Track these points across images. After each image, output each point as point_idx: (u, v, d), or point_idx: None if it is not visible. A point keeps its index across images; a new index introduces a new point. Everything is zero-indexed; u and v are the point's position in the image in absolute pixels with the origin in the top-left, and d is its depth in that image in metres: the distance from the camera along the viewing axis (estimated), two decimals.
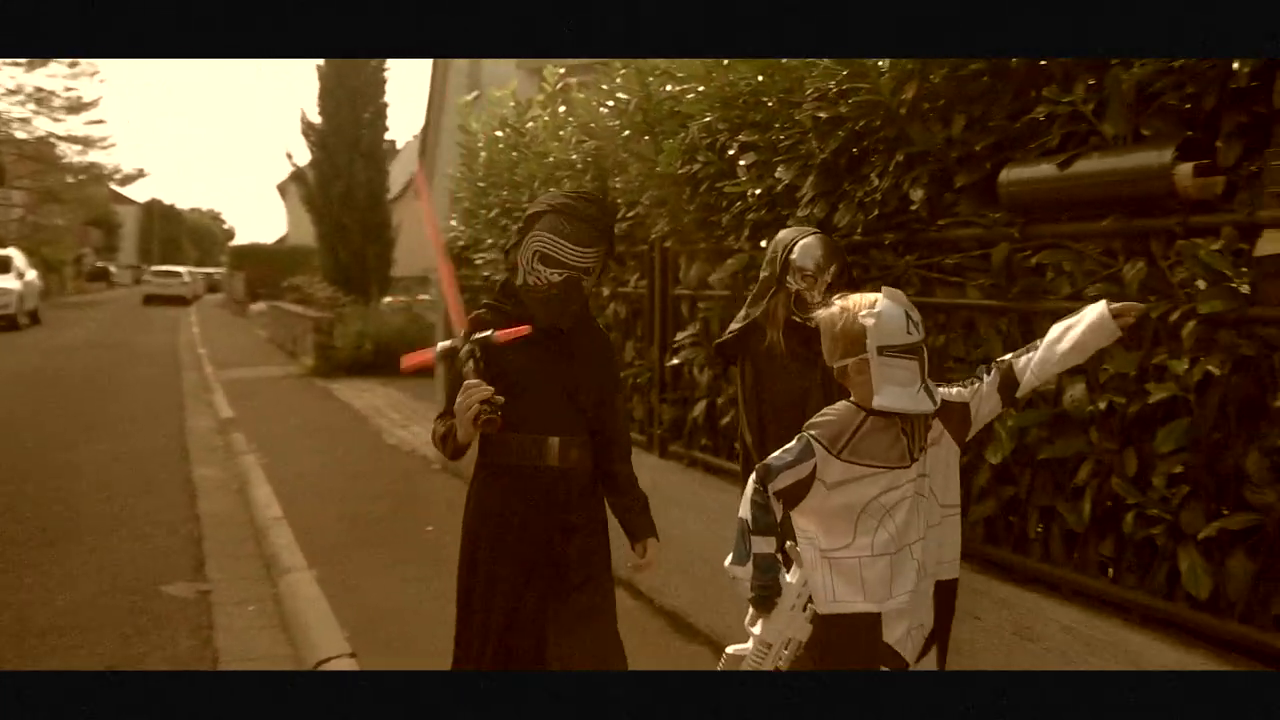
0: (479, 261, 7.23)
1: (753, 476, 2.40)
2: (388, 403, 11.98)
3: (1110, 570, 2.68)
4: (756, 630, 2.40)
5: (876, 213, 3.35)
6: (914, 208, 3.22)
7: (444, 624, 2.87)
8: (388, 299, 18.80)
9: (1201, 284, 2.39)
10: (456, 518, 2.80)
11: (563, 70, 6.32)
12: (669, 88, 4.80)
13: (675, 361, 4.71)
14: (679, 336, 4.70)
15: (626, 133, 5.04)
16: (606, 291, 5.46)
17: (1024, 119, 2.86)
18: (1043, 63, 2.82)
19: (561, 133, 5.98)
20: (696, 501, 4.56)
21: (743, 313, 3.25)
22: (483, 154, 7.35)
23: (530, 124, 6.67)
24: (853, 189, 3.52)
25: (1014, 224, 2.90)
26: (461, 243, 7.88)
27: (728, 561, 2.39)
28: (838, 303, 2.46)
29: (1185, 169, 2.36)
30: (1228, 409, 2.36)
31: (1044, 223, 2.84)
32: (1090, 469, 2.70)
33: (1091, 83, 2.72)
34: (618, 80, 5.27)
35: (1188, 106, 2.50)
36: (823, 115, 3.55)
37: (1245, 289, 2.30)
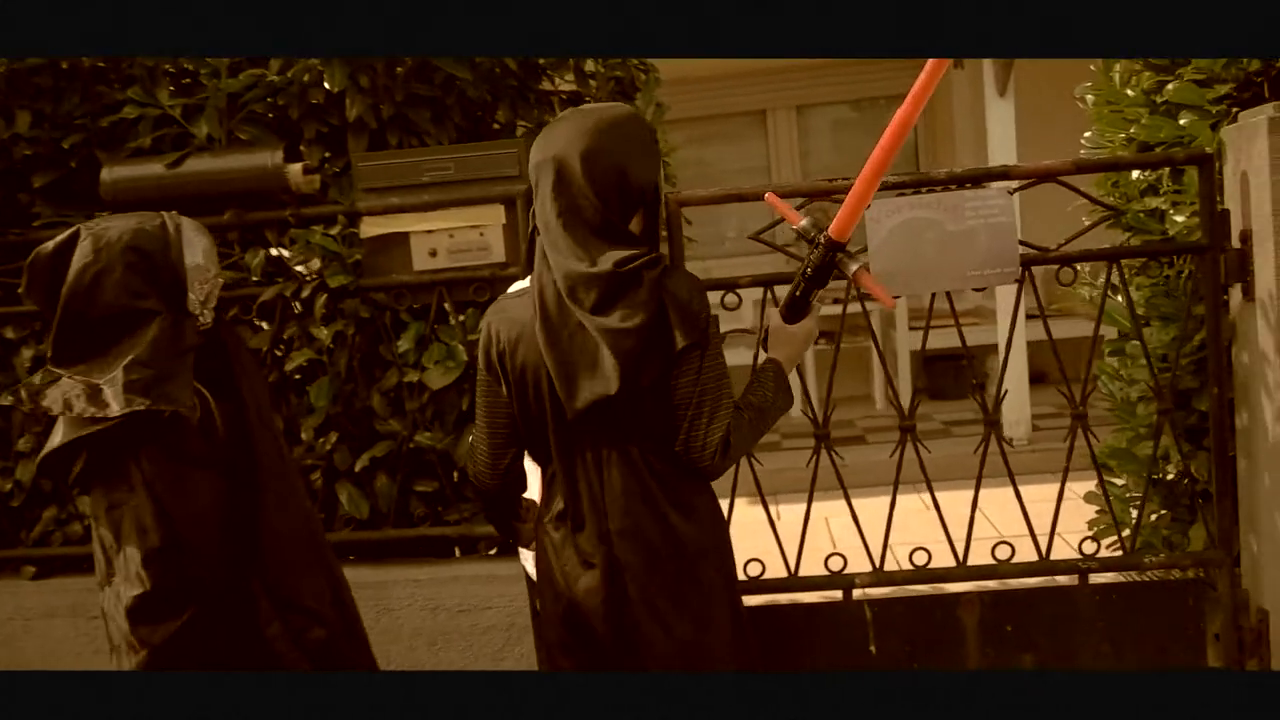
0: None
1: None
2: None
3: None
4: None
5: None
6: None
7: None
8: None
9: (315, 264, 2.86)
10: None
11: None
12: None
13: None
14: None
15: None
16: None
17: (111, 118, 2.90)
18: (125, 65, 2.91)
19: None
20: None
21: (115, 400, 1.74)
22: None
23: None
24: None
25: None
26: None
27: None
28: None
29: (296, 168, 2.78)
30: (354, 363, 2.90)
31: None
32: None
33: (173, 88, 2.93)
34: None
35: (271, 116, 2.93)
36: None
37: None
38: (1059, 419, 5.70)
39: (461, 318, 2.83)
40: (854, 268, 1.83)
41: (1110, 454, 3.02)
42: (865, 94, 7.57)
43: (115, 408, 1.69)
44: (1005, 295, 5.40)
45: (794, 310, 1.94)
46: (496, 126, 3.12)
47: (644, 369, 1.69)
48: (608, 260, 1.66)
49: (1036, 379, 5.84)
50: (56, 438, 1.77)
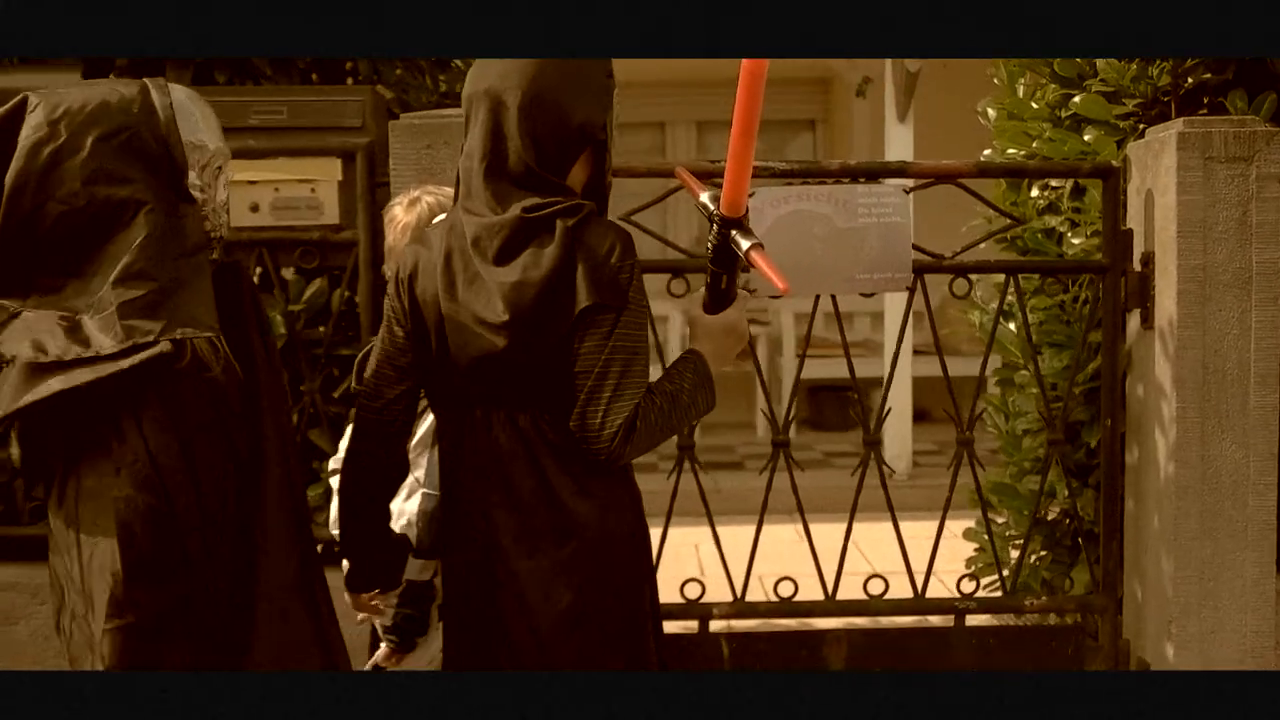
0: None
1: None
2: None
3: None
4: None
5: None
6: None
7: None
8: None
9: None
10: None
11: None
12: None
13: None
14: None
15: None
16: None
17: None
18: None
19: None
20: None
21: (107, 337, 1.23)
22: None
23: None
24: None
25: None
26: None
27: None
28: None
29: None
30: None
31: None
32: None
33: None
34: None
35: None
36: None
37: None
38: (940, 456, 5.57)
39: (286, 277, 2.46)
40: (746, 245, 1.54)
41: (993, 489, 2.81)
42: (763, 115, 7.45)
43: (108, 342, 1.18)
44: (894, 325, 5.26)
45: (715, 299, 1.67)
46: (351, 82, 2.78)
47: (544, 328, 1.45)
48: (517, 206, 1.46)
49: (920, 416, 5.71)
50: (28, 394, 1.19)
